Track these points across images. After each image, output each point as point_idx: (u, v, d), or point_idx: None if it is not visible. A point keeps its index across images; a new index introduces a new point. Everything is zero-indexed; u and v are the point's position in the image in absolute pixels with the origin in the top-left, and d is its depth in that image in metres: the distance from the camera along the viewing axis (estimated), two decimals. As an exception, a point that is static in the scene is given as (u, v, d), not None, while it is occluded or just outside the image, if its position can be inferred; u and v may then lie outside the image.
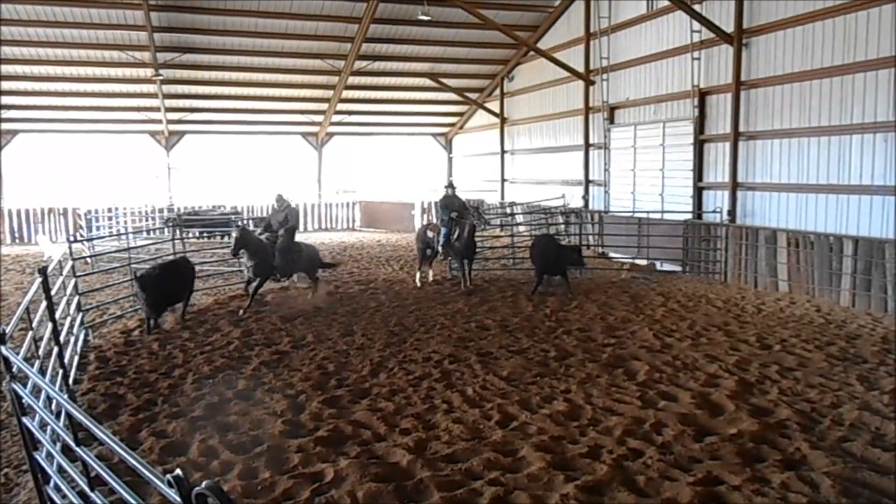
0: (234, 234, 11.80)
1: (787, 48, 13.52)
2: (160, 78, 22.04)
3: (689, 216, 15.86)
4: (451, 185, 14.44)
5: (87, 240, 17.29)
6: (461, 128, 30.19)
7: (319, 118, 27.70)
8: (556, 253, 12.93)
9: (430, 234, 13.98)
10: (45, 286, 5.94)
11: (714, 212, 15.41)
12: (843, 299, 11.72)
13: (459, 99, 27.14)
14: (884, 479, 5.05)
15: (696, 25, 15.19)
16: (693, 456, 5.50)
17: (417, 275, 14.15)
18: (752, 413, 6.39)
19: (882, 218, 11.78)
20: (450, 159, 31.38)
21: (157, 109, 24.85)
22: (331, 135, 29.05)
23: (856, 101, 12.19)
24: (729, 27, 14.52)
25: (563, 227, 19.69)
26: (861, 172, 12.20)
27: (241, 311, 11.26)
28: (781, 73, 13.65)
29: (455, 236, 13.28)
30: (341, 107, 26.77)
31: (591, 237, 18.65)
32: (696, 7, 14.90)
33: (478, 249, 14.30)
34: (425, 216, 28.50)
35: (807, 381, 7.42)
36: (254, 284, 11.78)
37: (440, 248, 13.55)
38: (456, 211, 13.50)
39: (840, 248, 11.90)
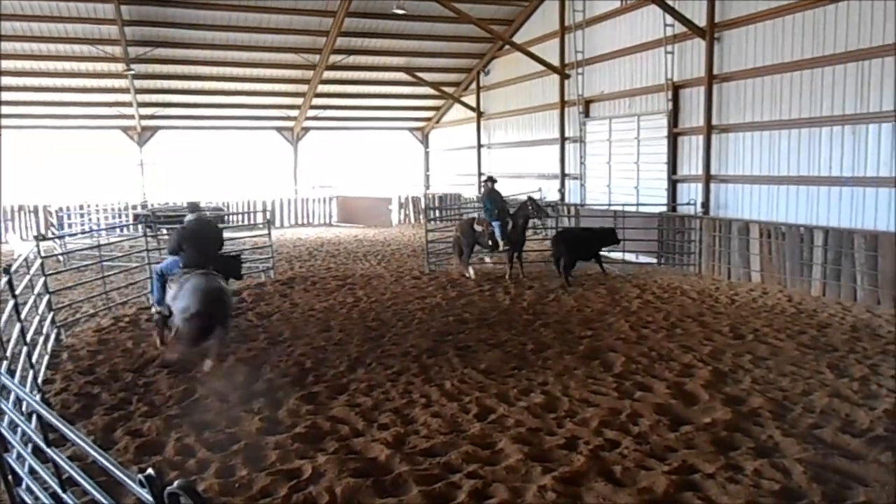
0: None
1: (759, 42, 13.69)
2: (132, 72, 21.68)
3: (664, 209, 16.01)
4: (492, 179, 14.41)
5: (58, 237, 16.98)
6: (438, 122, 30.13)
7: (295, 113, 27.47)
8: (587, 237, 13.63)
9: (478, 228, 14.02)
10: (11, 285, 5.83)
11: (688, 204, 15.57)
12: (813, 289, 11.94)
13: (436, 93, 27.07)
14: (854, 464, 5.16)
15: (669, 19, 15.31)
16: (668, 445, 5.58)
17: (470, 269, 14.06)
18: (725, 402, 6.50)
19: (851, 208, 12.02)
20: (426, 154, 31.32)
21: (130, 104, 24.45)
22: (306, 129, 28.83)
23: (825, 94, 12.39)
24: (701, 21, 14.66)
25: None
26: (830, 164, 12.42)
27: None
28: (753, 67, 13.82)
29: (510, 227, 13.64)
30: (317, 101, 26.56)
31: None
32: (669, 1, 15.00)
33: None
34: (402, 211, 28.42)
35: (779, 369, 7.55)
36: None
37: (500, 241, 13.71)
38: (504, 204, 14.01)
39: (811, 238, 12.11)
